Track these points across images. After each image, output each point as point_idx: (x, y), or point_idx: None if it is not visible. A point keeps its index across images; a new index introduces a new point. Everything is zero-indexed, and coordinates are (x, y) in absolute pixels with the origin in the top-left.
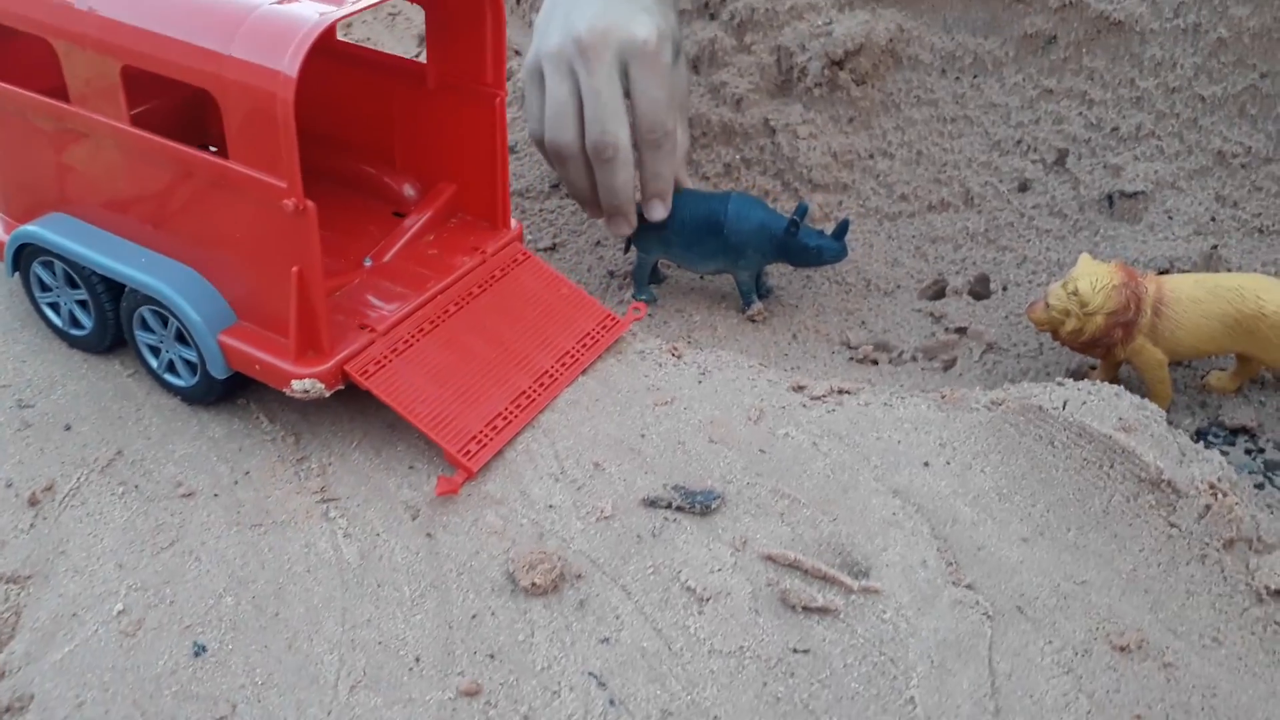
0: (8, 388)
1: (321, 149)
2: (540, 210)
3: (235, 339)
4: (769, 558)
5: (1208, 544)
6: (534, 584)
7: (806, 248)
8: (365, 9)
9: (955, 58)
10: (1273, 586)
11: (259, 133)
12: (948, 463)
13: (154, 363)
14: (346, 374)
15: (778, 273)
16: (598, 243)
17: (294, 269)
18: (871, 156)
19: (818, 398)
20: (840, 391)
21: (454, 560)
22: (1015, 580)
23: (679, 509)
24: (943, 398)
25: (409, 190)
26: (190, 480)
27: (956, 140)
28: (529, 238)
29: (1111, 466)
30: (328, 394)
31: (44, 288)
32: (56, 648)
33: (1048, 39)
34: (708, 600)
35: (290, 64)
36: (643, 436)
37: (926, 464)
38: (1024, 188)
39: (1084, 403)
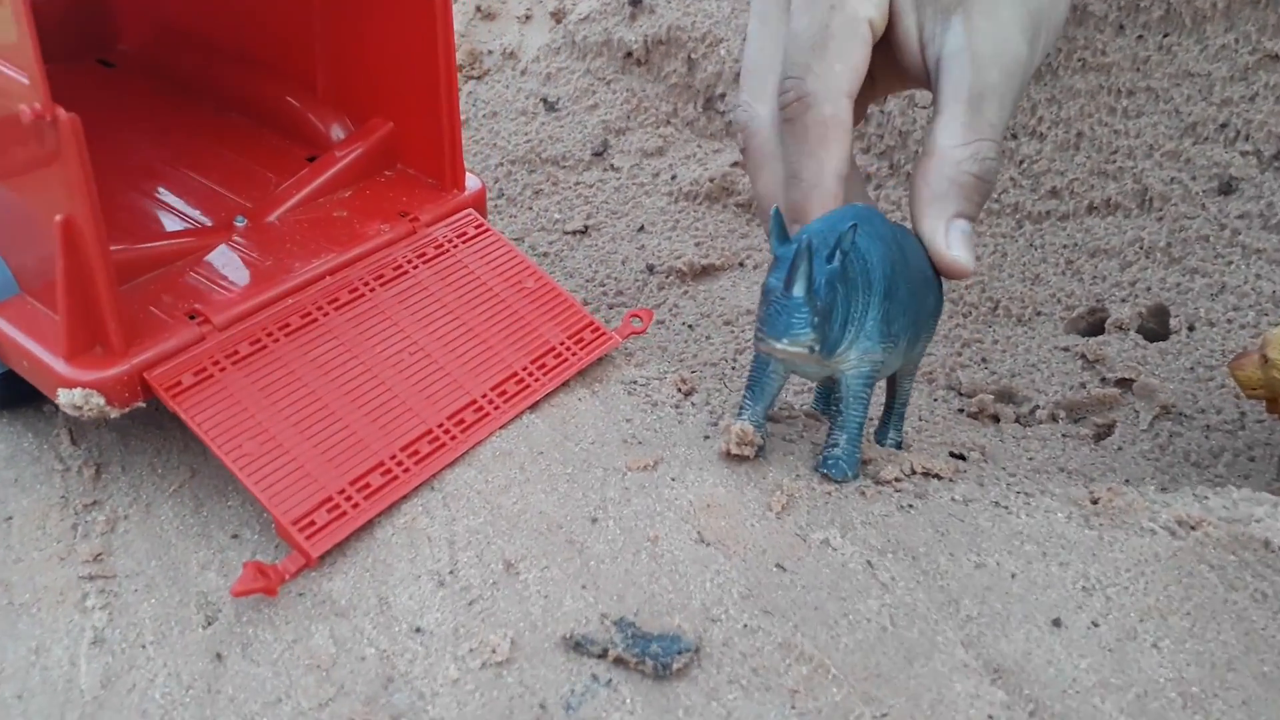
0: None
1: (236, 71)
2: (576, 184)
3: (4, 319)
4: None
5: None
6: None
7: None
8: None
9: (1140, 9)
10: None
11: None
12: (1094, 624)
13: None
14: (148, 385)
15: None
16: (641, 228)
17: (58, 217)
18: (1014, 136)
19: (886, 482)
20: (925, 474)
21: (238, 709)
22: None
23: (619, 661)
24: (1093, 502)
25: (337, 130)
26: None
27: (1134, 120)
28: (556, 215)
29: None
30: (114, 414)
31: None
32: None
33: None
34: None
35: None
36: (594, 521)
37: (1057, 622)
38: (1227, 189)
39: None
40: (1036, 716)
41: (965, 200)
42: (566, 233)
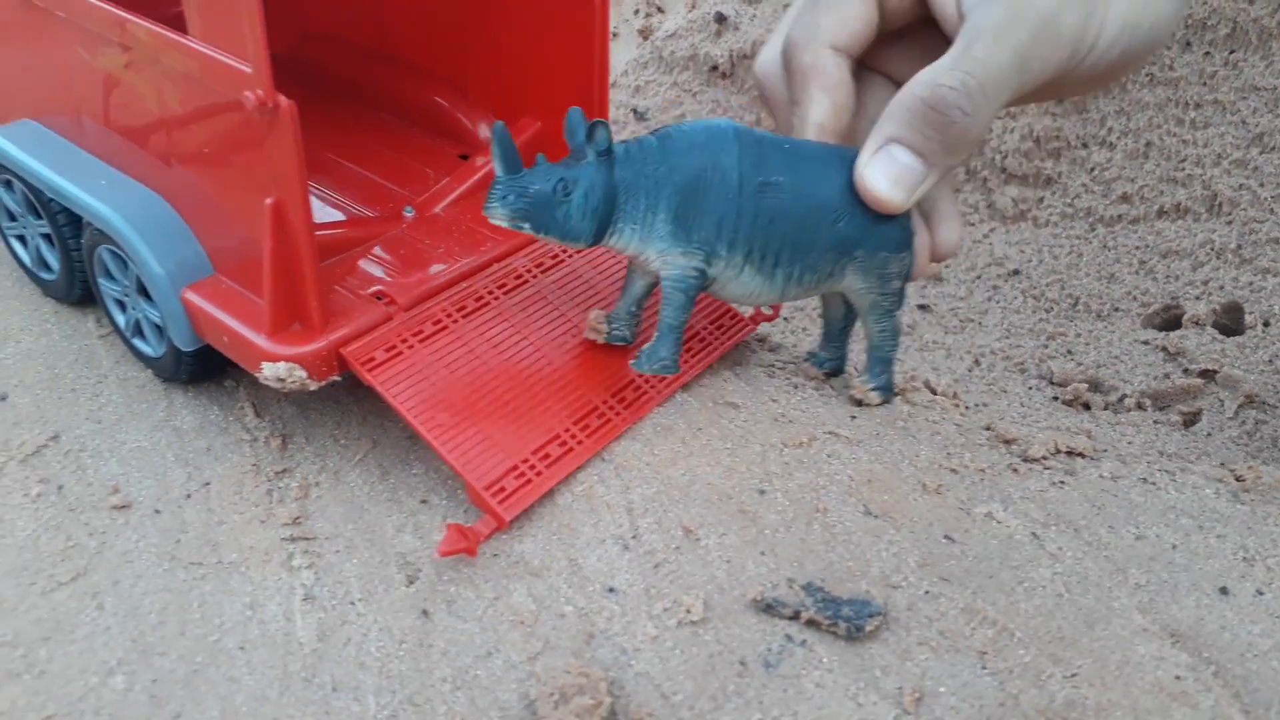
0: None
1: (385, 73)
2: None
3: (203, 298)
4: None
5: None
6: None
7: None
8: None
9: (1206, 27)
10: None
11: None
12: (1260, 592)
13: (121, 321)
14: (344, 360)
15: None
16: None
17: (268, 200)
18: (1085, 145)
19: (1035, 460)
20: (1070, 453)
21: (451, 662)
22: None
23: (811, 623)
24: (1238, 479)
25: (484, 129)
26: (131, 486)
27: (1201, 131)
28: None
29: None
30: (314, 386)
31: (11, 216)
32: None
33: None
34: None
35: None
36: (762, 493)
37: (1224, 590)
38: None
39: None
40: (1220, 678)
41: (907, 127)
42: None
